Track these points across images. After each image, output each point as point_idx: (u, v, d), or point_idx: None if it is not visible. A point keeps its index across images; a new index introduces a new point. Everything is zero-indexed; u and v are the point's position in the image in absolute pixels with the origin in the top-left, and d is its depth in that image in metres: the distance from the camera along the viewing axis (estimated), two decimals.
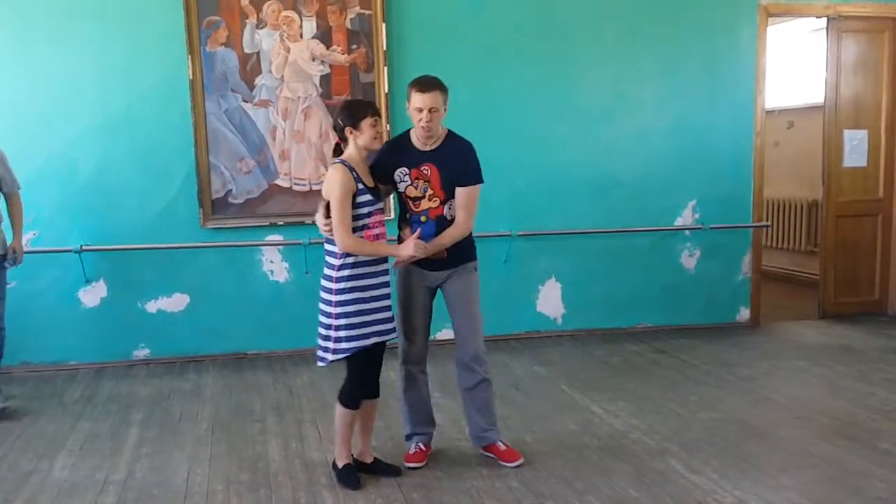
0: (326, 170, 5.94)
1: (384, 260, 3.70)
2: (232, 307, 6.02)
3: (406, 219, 3.87)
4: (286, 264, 6.08)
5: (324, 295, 3.65)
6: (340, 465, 3.81)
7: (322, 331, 3.66)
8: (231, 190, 5.94)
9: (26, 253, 5.62)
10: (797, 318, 7.16)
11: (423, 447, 4.04)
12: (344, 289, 3.58)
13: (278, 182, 6.01)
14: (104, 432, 4.57)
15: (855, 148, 7.05)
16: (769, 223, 8.00)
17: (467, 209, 3.80)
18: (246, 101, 5.91)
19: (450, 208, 3.82)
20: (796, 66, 8.75)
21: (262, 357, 6.06)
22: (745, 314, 6.92)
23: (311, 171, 6.03)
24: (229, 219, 5.95)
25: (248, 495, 3.72)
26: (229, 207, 5.95)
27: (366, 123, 3.60)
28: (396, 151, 3.84)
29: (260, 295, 6.07)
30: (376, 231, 3.67)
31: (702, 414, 4.70)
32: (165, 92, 5.77)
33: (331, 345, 3.62)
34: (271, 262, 6.07)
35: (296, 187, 6.03)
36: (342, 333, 3.59)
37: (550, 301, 6.55)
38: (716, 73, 6.61)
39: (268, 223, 6.00)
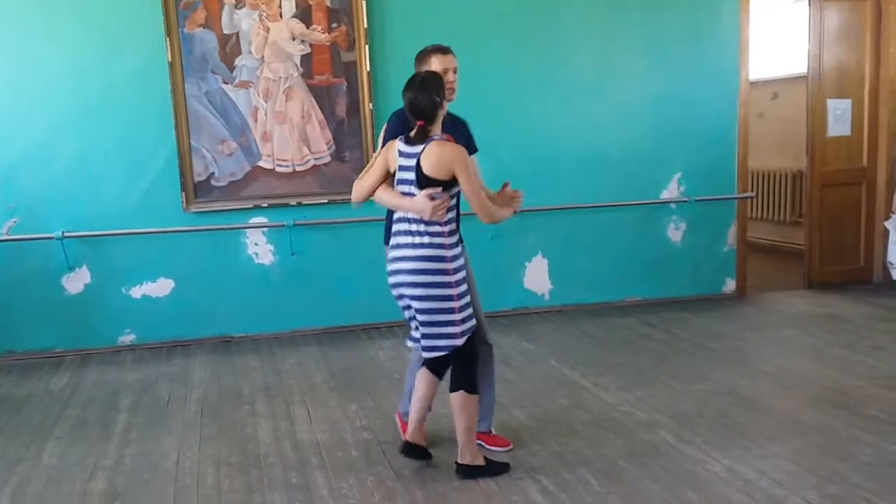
0: (310, 151, 5.96)
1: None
2: (217, 291, 5.98)
3: None
4: (271, 246, 6.04)
5: (433, 278, 3.42)
6: (483, 462, 3.63)
7: (438, 317, 3.46)
8: (213, 173, 5.89)
9: (7, 241, 5.60)
10: (783, 288, 7.18)
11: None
12: (459, 267, 3.48)
13: (261, 164, 5.96)
14: (92, 419, 4.54)
15: (839, 117, 7.05)
16: (754, 194, 8.01)
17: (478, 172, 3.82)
18: (226, 83, 5.85)
19: None
20: (779, 37, 8.73)
21: (248, 340, 6.03)
22: (731, 285, 6.94)
23: (293, 152, 5.98)
24: (212, 202, 5.90)
25: (238, 477, 3.70)
26: (212, 190, 5.90)
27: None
28: (407, 123, 3.63)
29: (245, 278, 6.03)
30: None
31: (691, 385, 4.71)
32: (144, 75, 5.69)
33: (457, 329, 3.46)
34: (256, 244, 6.03)
35: (279, 169, 5.98)
36: (468, 312, 3.50)
37: (538, 277, 6.54)
38: (700, 45, 6.59)
39: (251, 205, 5.95)
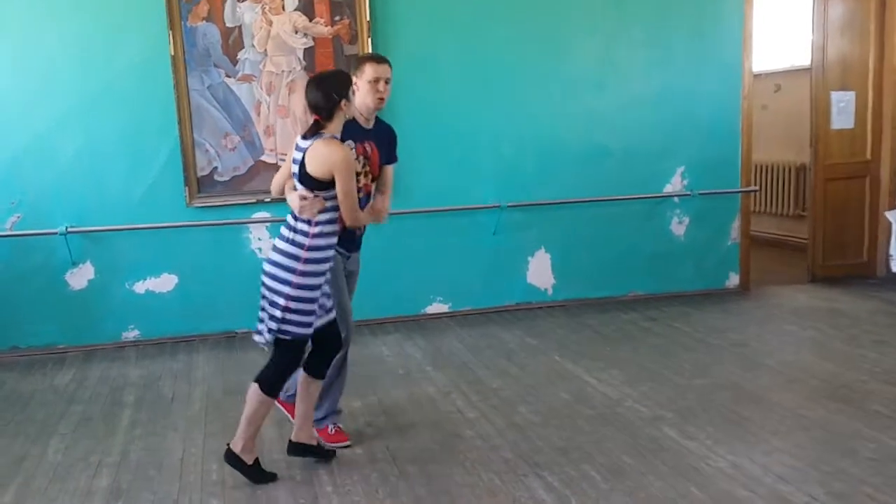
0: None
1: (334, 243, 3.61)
2: (221, 286, 5.98)
3: None
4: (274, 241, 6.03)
5: (278, 271, 3.46)
6: (251, 460, 3.61)
7: (267, 306, 3.50)
8: (216, 167, 5.88)
9: (11, 237, 5.60)
10: (787, 282, 7.17)
11: (339, 426, 4.02)
12: (308, 271, 3.46)
13: (264, 158, 5.95)
14: (96, 415, 4.55)
15: (842, 110, 7.02)
16: (757, 188, 7.99)
17: (391, 182, 4.00)
18: (229, 77, 5.84)
19: (373, 188, 3.94)
20: (783, 29, 8.70)
21: (252, 335, 6.01)
22: (734, 280, 6.93)
23: None
24: (215, 196, 5.90)
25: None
26: (215, 185, 5.89)
27: (351, 92, 3.53)
28: (345, 125, 3.73)
29: (249, 273, 5.97)
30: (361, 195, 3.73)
31: (695, 380, 4.71)
32: (147, 69, 5.68)
33: (275, 324, 3.48)
34: (259, 239, 6.03)
35: (282, 163, 5.96)
36: (294, 317, 3.48)
37: (541, 272, 6.54)
38: (703, 38, 6.56)
39: (254, 200, 5.95)
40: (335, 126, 3.51)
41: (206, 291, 5.96)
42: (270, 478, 3.63)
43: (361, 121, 3.82)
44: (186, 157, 5.80)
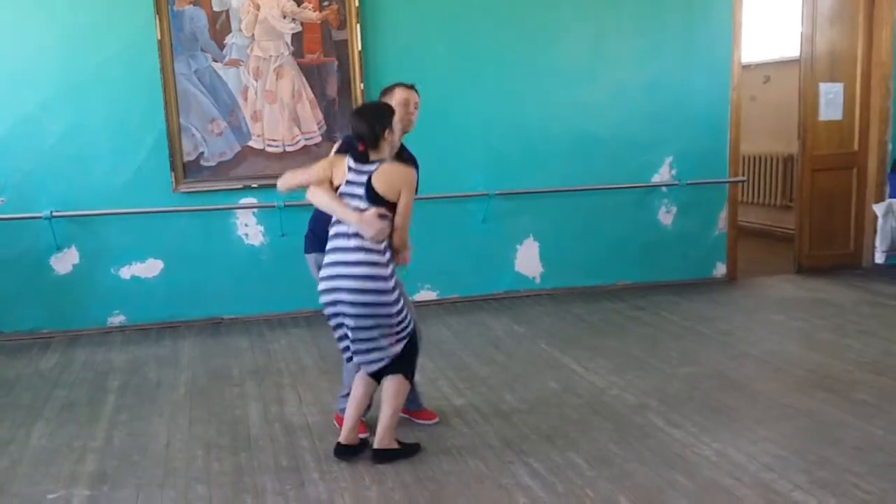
0: (300, 131, 5.92)
1: None
2: (207, 272, 5.95)
3: None
4: (261, 227, 6.01)
5: (377, 298, 3.44)
6: (398, 445, 3.66)
7: (377, 333, 3.51)
8: (203, 152, 5.85)
9: None
10: (773, 272, 7.20)
11: (363, 420, 3.92)
12: (396, 283, 3.53)
13: (251, 144, 5.92)
14: (81, 400, 4.52)
15: (831, 101, 7.04)
16: (745, 178, 8.01)
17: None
18: (216, 61, 5.79)
19: None
20: (772, 20, 8.71)
21: (238, 322, 6.01)
22: (721, 269, 6.95)
23: (284, 132, 5.94)
24: (202, 182, 5.86)
25: (228, 459, 3.70)
26: (202, 170, 5.86)
27: (394, 121, 3.61)
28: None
29: (235, 259, 6.01)
30: None
31: (681, 369, 4.72)
32: (133, 53, 5.63)
33: (395, 342, 3.55)
34: (246, 225, 6.00)
35: (269, 149, 5.94)
36: (405, 322, 3.57)
37: (529, 260, 6.54)
38: (692, 29, 6.56)
39: (241, 186, 5.92)
40: (384, 153, 3.56)
41: (191, 277, 5.93)
42: (417, 447, 3.71)
43: (392, 146, 3.79)
44: (173, 142, 5.76)
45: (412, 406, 4.06)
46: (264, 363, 5.08)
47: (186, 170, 5.83)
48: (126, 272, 5.85)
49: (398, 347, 3.57)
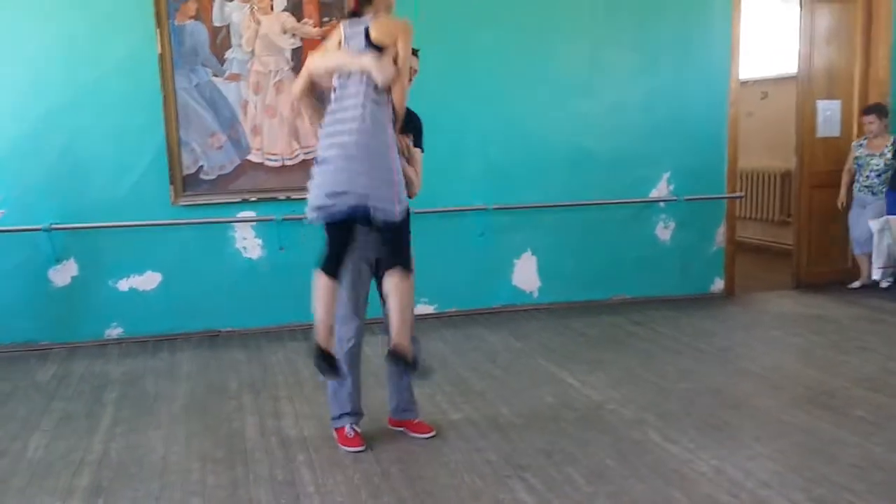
0: (299, 145, 5.94)
1: None
2: (205, 285, 5.95)
3: None
4: (259, 241, 6.02)
5: (380, 148, 3.46)
6: (412, 357, 3.69)
7: (384, 184, 3.47)
8: (202, 166, 5.86)
9: None
10: (771, 288, 7.21)
11: (357, 430, 3.95)
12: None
13: (250, 157, 5.93)
14: (78, 412, 4.51)
15: (828, 118, 7.08)
16: (743, 194, 8.03)
17: (420, 167, 3.96)
18: (216, 76, 5.81)
19: None
20: (770, 37, 8.75)
21: (236, 335, 6.01)
22: (719, 285, 6.96)
23: (283, 146, 5.96)
24: (201, 195, 5.87)
25: (224, 473, 3.69)
26: (201, 184, 5.87)
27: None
28: None
29: (233, 272, 6.01)
30: None
31: (678, 384, 4.72)
32: (134, 67, 5.65)
33: (397, 203, 3.50)
34: (244, 238, 6.01)
35: (268, 163, 5.96)
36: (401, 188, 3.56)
37: (526, 274, 6.54)
38: (690, 44, 6.60)
39: (240, 199, 5.93)
40: (379, 10, 3.57)
41: (189, 290, 5.93)
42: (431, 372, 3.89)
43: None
44: (172, 156, 5.77)
45: (406, 415, 4.05)
46: (261, 376, 5.08)
47: (186, 183, 5.84)
48: (124, 284, 5.85)
49: (398, 209, 3.50)
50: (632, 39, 6.48)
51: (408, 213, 3.67)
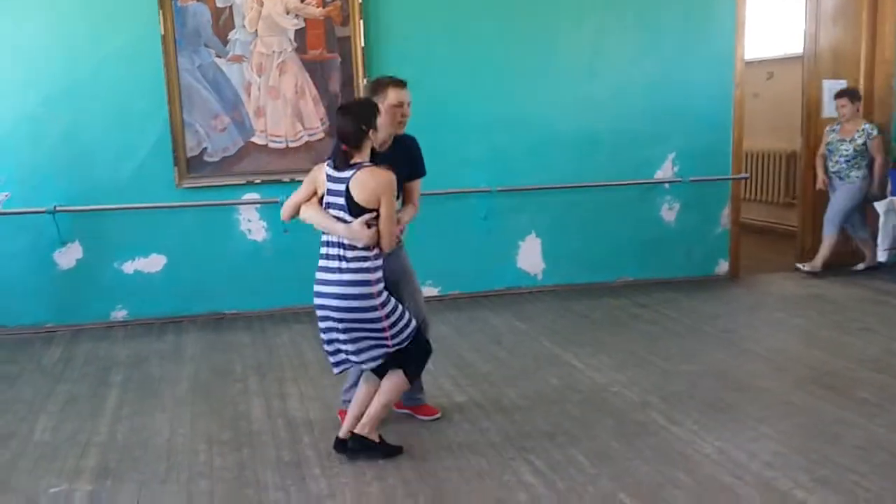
0: (303, 127, 5.92)
1: None
2: (210, 267, 5.96)
3: None
4: (264, 223, 6.02)
5: (358, 303, 3.44)
6: (377, 439, 3.64)
7: (367, 334, 3.49)
8: (206, 148, 5.85)
9: (0, 215, 5.56)
10: (776, 269, 7.19)
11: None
12: (381, 290, 3.48)
13: (254, 140, 5.92)
14: (84, 394, 4.54)
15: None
16: (748, 175, 8.00)
17: (417, 195, 3.93)
18: (219, 57, 5.80)
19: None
20: (776, 17, 8.69)
21: (241, 317, 6.02)
22: (724, 266, 6.95)
23: (287, 127, 5.95)
24: (205, 177, 5.87)
25: (230, 454, 3.71)
26: (205, 166, 5.86)
27: (378, 120, 3.53)
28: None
29: (238, 254, 6.01)
30: None
31: (682, 366, 4.73)
32: (136, 48, 5.64)
33: (388, 341, 3.50)
34: (249, 220, 6.01)
35: (272, 145, 5.95)
36: (400, 323, 3.52)
37: (530, 257, 6.54)
38: (695, 25, 6.55)
39: (244, 181, 5.92)
40: (365, 154, 3.50)
41: (194, 272, 5.94)
42: (398, 450, 3.66)
43: (375, 145, 3.71)
44: (176, 138, 5.76)
45: (413, 402, 4.07)
46: (267, 358, 5.09)
47: (190, 165, 5.83)
48: (129, 267, 5.86)
49: (392, 346, 3.53)
50: (636, 20, 6.44)
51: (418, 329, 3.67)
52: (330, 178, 3.50)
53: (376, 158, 3.61)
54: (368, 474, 3.48)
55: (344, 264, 3.46)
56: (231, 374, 4.84)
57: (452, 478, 3.44)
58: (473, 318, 5.83)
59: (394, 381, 3.62)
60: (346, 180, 3.44)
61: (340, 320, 3.48)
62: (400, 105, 3.72)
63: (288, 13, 5.85)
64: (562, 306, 6.12)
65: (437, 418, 4.04)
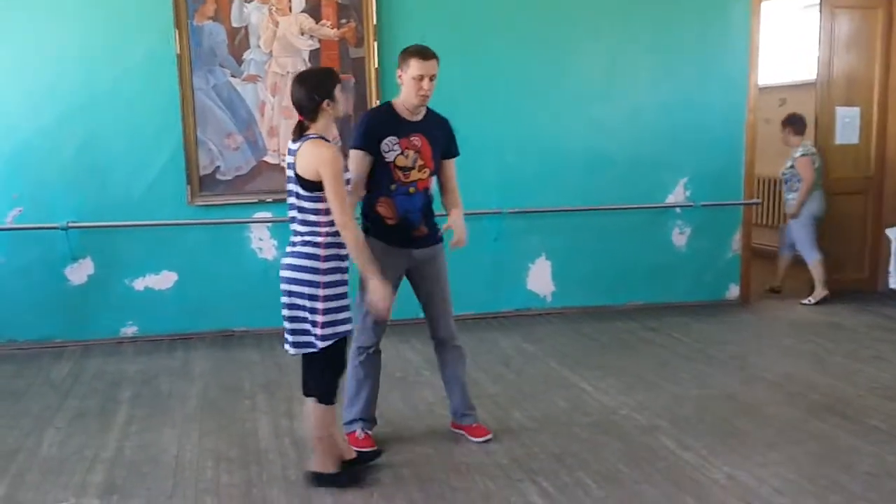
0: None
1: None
2: (220, 284, 5.98)
3: (390, 190, 3.75)
4: (274, 241, 6.04)
5: (302, 275, 3.35)
6: (336, 469, 3.52)
7: (301, 313, 3.38)
8: (219, 166, 5.89)
9: (12, 230, 5.60)
10: (787, 295, 7.15)
11: (369, 433, 3.92)
12: (330, 268, 3.38)
13: (267, 158, 5.96)
14: (92, 410, 4.54)
15: (847, 125, 7.03)
16: (760, 200, 7.98)
17: (455, 180, 3.97)
18: (234, 76, 5.84)
19: (432, 182, 3.87)
20: (789, 43, 8.71)
21: (250, 334, 6.02)
22: (734, 291, 6.92)
23: None
24: (217, 196, 5.90)
25: (238, 472, 3.70)
26: (217, 184, 5.90)
27: (337, 91, 3.41)
28: (382, 121, 3.75)
29: (248, 272, 6.03)
30: None
31: (692, 391, 4.70)
32: (152, 67, 5.69)
33: (318, 330, 3.35)
34: (260, 239, 6.03)
35: (284, 164, 5.96)
36: (330, 317, 3.36)
37: (540, 279, 6.53)
38: (709, 50, 6.57)
39: (256, 200, 5.95)
40: (321, 126, 3.40)
41: (205, 290, 5.96)
42: (361, 472, 3.59)
43: (406, 114, 3.71)
44: (189, 156, 5.80)
45: (461, 419, 4.02)
46: (275, 377, 5.09)
47: (202, 183, 5.87)
48: (140, 284, 5.88)
49: (319, 337, 3.36)
50: (650, 45, 6.46)
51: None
52: (288, 152, 3.44)
53: (403, 128, 3.58)
54: (375, 494, 3.47)
55: (298, 238, 3.43)
56: (240, 391, 4.84)
57: (459, 499, 3.42)
58: (483, 340, 5.82)
59: (314, 413, 3.50)
60: (294, 152, 3.37)
61: (288, 293, 3.41)
62: (420, 78, 3.61)
63: (303, 34, 5.90)
64: (571, 329, 6.10)
65: (488, 440, 3.96)
